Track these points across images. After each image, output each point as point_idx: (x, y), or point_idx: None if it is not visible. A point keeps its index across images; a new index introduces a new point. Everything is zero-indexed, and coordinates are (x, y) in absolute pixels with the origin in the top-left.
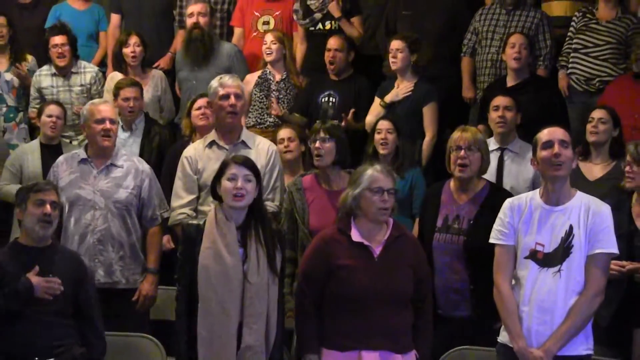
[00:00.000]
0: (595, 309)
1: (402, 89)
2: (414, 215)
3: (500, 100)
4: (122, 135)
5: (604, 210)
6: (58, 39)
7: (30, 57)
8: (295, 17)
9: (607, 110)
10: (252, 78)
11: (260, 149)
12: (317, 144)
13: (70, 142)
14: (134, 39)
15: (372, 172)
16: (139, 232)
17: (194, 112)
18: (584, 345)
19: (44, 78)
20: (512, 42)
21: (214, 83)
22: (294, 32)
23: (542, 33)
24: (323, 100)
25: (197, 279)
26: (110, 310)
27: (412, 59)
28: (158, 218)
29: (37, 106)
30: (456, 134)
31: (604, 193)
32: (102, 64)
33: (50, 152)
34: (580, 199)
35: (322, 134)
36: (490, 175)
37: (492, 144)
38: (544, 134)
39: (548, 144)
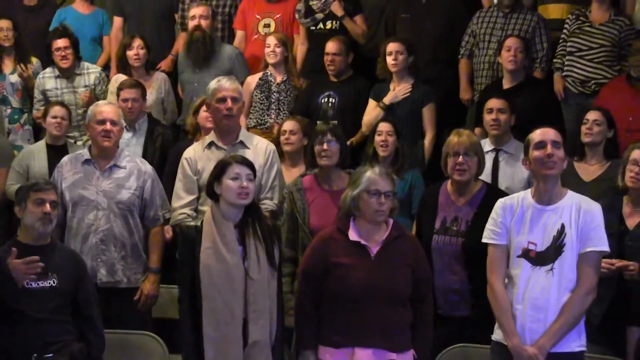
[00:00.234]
0: (588, 306)
1: (401, 90)
2: (414, 216)
3: (493, 103)
4: (125, 135)
5: (595, 209)
6: (60, 42)
7: (35, 60)
8: (297, 15)
9: (601, 111)
10: (253, 80)
11: (259, 148)
12: (325, 146)
13: (75, 143)
14: (137, 42)
15: (370, 175)
16: (141, 232)
17: (203, 113)
18: (577, 342)
19: (48, 80)
20: (507, 45)
21: (212, 85)
22: (295, 34)
23: (539, 36)
24: (323, 101)
25: (198, 279)
26: (112, 310)
27: (409, 60)
28: (160, 218)
29: (41, 108)
30: (453, 139)
31: (599, 193)
32: (106, 68)
33: (57, 152)
34: (572, 198)
35: (329, 136)
36: (485, 176)
37: (487, 145)
38: (537, 135)
39: (541, 144)
